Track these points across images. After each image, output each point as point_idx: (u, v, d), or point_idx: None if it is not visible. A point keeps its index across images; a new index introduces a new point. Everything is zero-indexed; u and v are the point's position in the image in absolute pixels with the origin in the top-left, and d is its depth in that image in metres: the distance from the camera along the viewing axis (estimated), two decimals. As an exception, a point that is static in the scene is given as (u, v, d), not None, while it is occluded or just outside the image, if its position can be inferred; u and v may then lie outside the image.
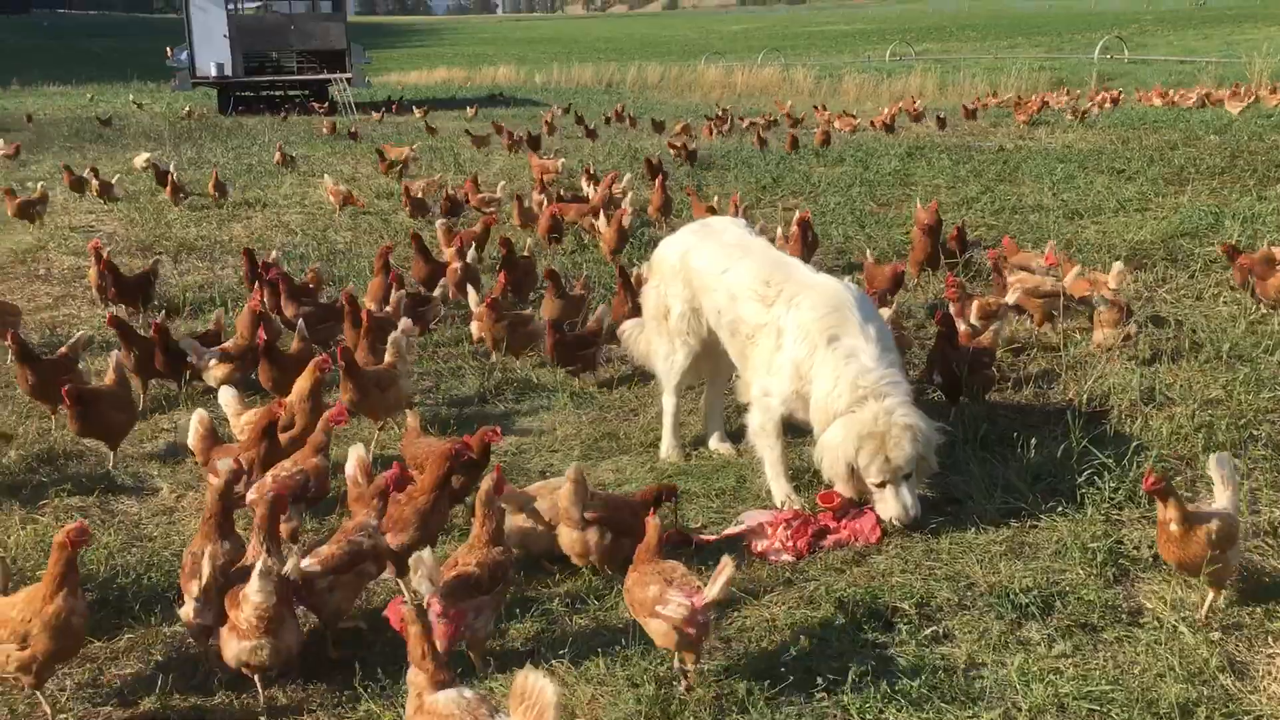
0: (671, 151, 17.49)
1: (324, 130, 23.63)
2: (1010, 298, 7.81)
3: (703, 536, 5.25)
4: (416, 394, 7.11)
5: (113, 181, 14.65)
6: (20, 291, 10.20)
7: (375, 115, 28.03)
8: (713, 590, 3.95)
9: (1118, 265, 8.32)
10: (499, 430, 5.43)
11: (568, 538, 4.88)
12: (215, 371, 7.00)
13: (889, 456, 5.19)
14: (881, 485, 5.25)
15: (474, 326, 8.17)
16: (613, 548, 4.83)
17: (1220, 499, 4.49)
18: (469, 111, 29.00)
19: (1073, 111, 23.28)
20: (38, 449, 6.53)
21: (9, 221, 12.77)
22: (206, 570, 4.01)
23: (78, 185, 14.27)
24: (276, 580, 3.91)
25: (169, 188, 14.18)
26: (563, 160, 16.26)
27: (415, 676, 3.37)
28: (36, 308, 9.63)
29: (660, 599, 3.99)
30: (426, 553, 4.12)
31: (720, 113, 25.08)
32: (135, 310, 9.09)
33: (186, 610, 4.10)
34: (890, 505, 5.26)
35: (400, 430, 6.27)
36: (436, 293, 8.88)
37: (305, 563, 4.23)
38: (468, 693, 3.29)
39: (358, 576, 4.38)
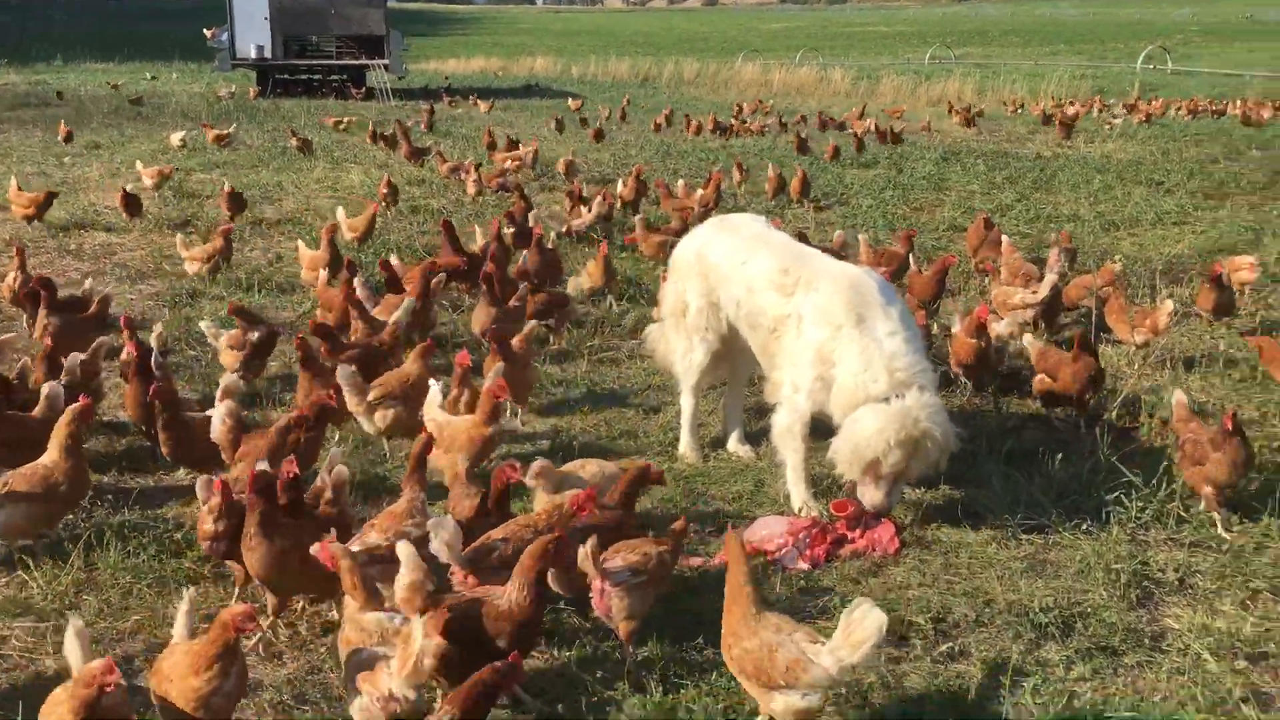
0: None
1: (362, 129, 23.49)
2: (1004, 326, 7.58)
3: (692, 561, 5.02)
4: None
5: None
6: (50, 266, 10.22)
7: (447, 101, 28.01)
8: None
9: (1114, 263, 8.63)
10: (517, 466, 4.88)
11: None
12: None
13: (910, 465, 5.10)
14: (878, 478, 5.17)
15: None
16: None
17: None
18: (571, 104, 28.55)
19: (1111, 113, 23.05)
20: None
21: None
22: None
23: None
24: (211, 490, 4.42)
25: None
26: (524, 148, 16.35)
27: (348, 603, 3.92)
28: (66, 283, 9.62)
29: None
30: (447, 519, 4.16)
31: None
32: None
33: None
34: (872, 494, 5.18)
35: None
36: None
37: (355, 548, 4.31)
38: (396, 619, 3.75)
39: None
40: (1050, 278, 8.16)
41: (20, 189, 11.56)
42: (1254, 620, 4.50)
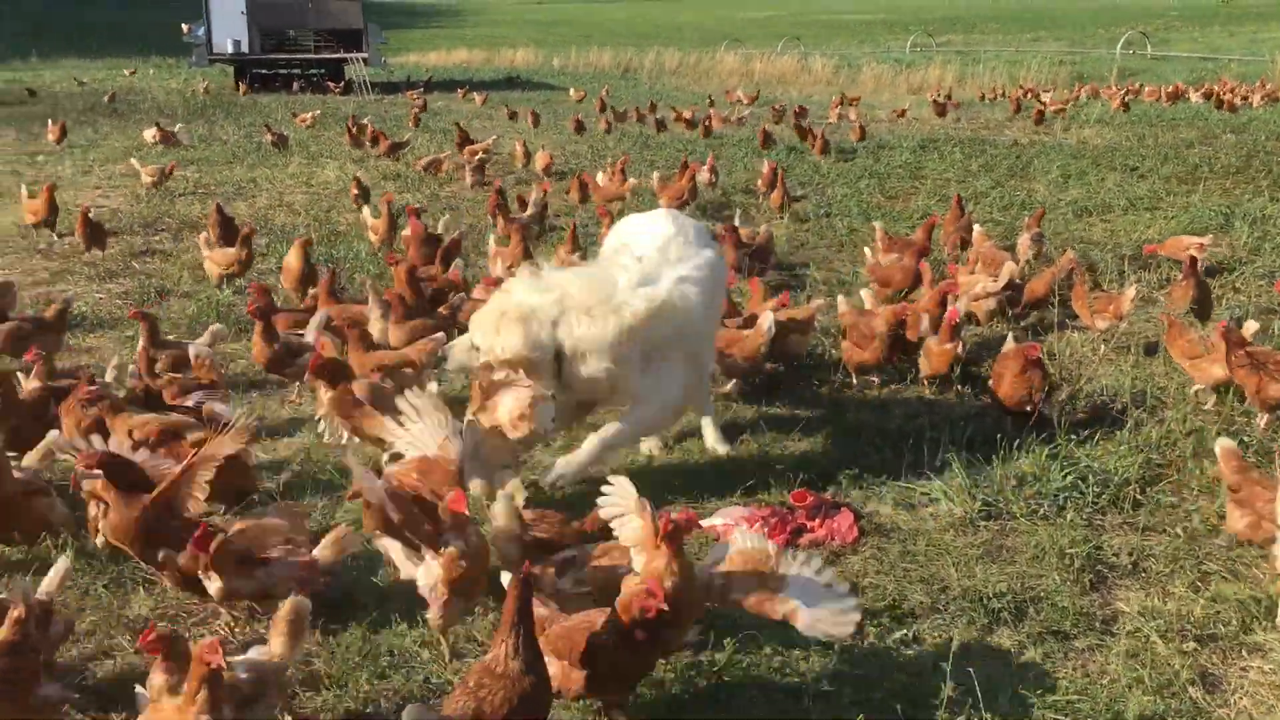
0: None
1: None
2: (961, 304, 7.58)
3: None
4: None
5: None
6: (18, 265, 10.21)
7: (410, 94, 28.06)
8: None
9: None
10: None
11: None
12: None
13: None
14: None
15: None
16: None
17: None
18: (574, 94, 28.72)
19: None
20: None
21: (14, 194, 12.78)
22: None
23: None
24: None
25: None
26: (494, 137, 16.87)
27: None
28: (33, 282, 9.62)
29: None
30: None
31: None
32: None
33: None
34: None
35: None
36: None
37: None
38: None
39: None
40: (1008, 265, 8.20)
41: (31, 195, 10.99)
42: (1204, 602, 4.54)
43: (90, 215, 10.21)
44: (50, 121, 18.11)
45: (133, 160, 14.26)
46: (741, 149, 17.64)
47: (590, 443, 5.53)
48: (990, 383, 6.44)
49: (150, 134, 17.44)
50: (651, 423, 5.72)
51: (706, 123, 19.67)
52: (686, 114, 21.62)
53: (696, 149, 17.30)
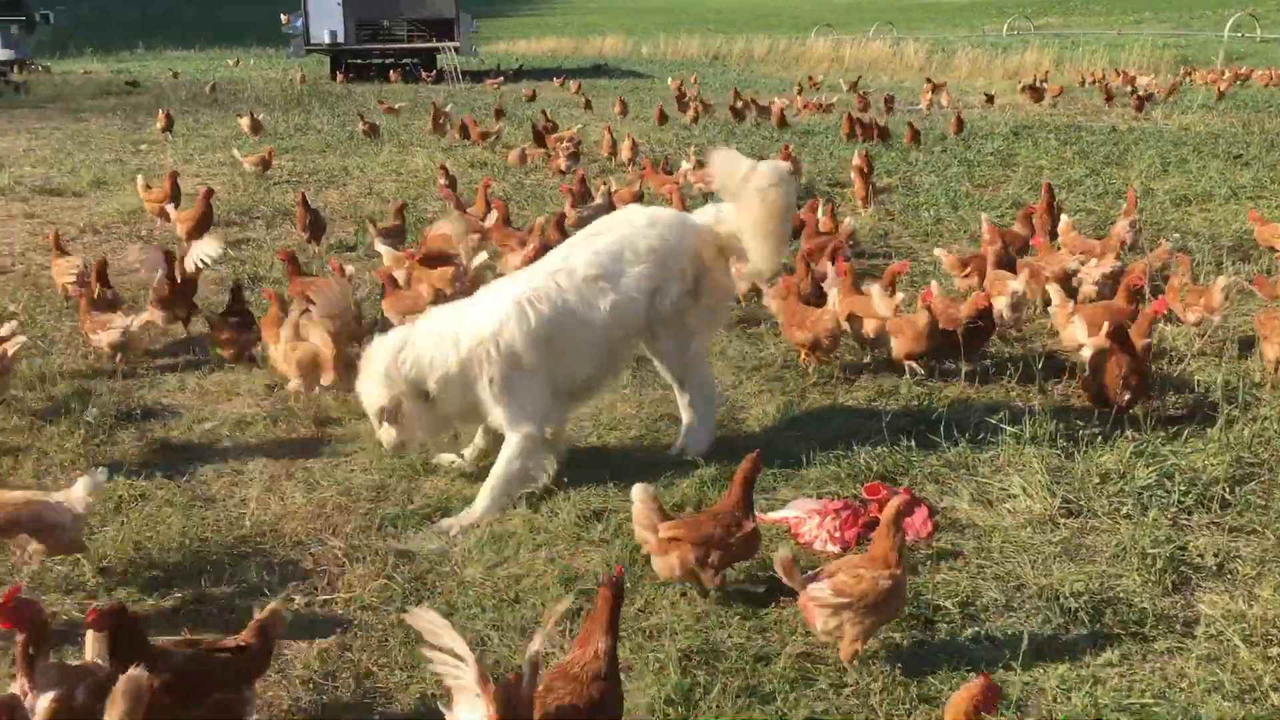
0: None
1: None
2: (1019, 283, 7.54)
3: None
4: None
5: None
6: (120, 251, 10.57)
7: (490, 83, 28.44)
8: None
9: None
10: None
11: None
12: None
13: None
14: None
15: None
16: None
17: None
18: (671, 83, 28.79)
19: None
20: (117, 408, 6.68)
21: (118, 182, 13.25)
22: None
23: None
24: None
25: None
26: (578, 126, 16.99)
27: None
28: (128, 268, 9.95)
29: None
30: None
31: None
32: None
33: None
34: None
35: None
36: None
37: None
38: None
39: None
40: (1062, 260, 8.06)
41: (149, 186, 11.26)
42: (1285, 603, 4.40)
43: (211, 201, 10.27)
44: (159, 110, 18.79)
45: (234, 151, 14.68)
46: (828, 137, 17.47)
47: (483, 495, 5.39)
48: (1085, 375, 6.28)
49: (244, 122, 17.90)
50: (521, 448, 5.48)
51: (781, 114, 19.33)
52: (763, 102, 21.40)
53: (782, 138, 17.18)
